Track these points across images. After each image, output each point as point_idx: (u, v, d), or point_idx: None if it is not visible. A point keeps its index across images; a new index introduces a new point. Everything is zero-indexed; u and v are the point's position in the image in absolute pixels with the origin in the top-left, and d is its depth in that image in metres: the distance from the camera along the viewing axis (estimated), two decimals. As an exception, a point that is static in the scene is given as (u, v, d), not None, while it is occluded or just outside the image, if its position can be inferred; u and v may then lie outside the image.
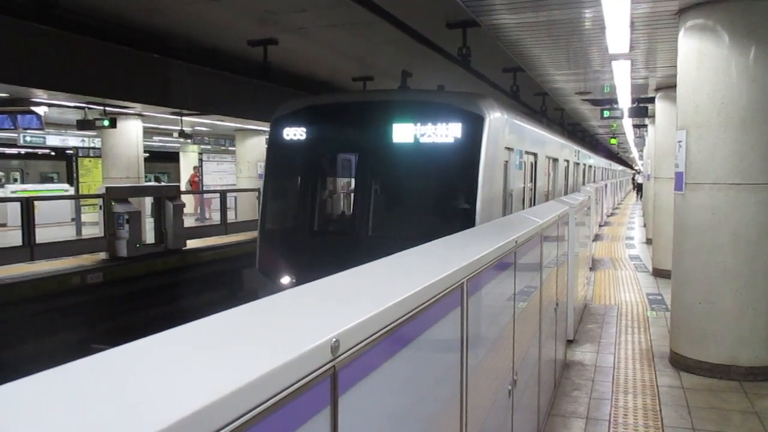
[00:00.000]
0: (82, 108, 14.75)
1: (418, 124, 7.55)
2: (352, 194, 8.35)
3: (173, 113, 15.38)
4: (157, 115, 16.02)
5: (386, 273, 2.03)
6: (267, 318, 1.36)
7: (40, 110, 13.85)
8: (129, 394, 0.87)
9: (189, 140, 22.66)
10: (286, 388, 1.03)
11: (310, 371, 1.11)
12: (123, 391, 0.88)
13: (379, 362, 1.49)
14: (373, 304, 1.45)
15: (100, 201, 11.81)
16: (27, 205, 10.84)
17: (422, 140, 7.53)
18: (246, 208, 18.70)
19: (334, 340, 1.19)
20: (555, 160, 13.11)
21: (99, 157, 17.38)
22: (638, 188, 43.15)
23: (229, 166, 25.79)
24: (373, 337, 1.39)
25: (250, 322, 1.32)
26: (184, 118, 16.63)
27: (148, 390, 0.89)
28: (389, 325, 1.48)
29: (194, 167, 25.00)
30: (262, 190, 9.08)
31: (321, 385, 1.16)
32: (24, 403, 0.82)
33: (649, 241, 14.65)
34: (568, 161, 15.28)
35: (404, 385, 1.74)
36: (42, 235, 11.29)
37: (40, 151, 30.10)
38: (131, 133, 15.66)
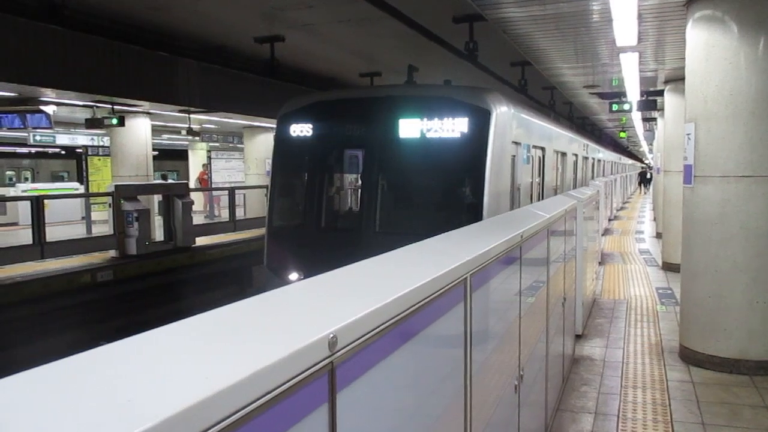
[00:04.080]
0: (91, 107, 14.82)
1: (425, 119, 7.52)
2: (359, 190, 8.34)
3: (181, 111, 15.43)
4: (165, 113, 16.09)
5: (388, 268, 2.01)
6: (264, 313, 1.35)
7: (49, 109, 13.93)
8: (121, 390, 0.86)
9: (197, 138, 22.73)
10: (283, 384, 1.02)
11: (307, 367, 1.10)
12: (115, 387, 0.88)
13: (379, 358, 1.47)
14: (372, 300, 1.44)
15: (109, 199, 11.88)
16: (37, 204, 10.93)
17: (429, 135, 7.50)
18: (254, 205, 18.76)
19: (332, 335, 1.18)
20: (563, 155, 13.04)
21: (108, 155, 17.48)
22: (642, 180, 42.60)
23: (238, 164, 25.88)
24: (373, 332, 1.38)
25: (247, 317, 1.31)
26: (192, 115, 16.68)
27: (140, 386, 0.88)
28: (389, 320, 1.47)
29: (203, 165, 25.11)
30: (269, 187, 9.09)
31: (318, 381, 1.15)
32: (13, 401, 0.81)
33: (659, 235, 14.56)
34: (576, 155, 15.19)
35: (405, 382, 1.73)
36: (52, 234, 11.37)
37: (50, 150, 30.31)
38: (140, 131, 15.75)
